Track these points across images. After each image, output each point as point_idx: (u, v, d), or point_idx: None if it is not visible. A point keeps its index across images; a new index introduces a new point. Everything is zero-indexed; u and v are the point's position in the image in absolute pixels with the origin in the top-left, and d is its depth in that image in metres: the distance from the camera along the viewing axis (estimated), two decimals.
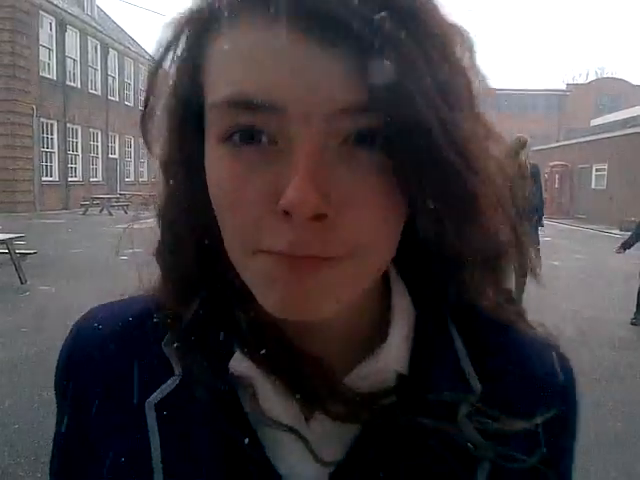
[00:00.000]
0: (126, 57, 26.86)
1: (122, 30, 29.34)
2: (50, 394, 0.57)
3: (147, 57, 29.56)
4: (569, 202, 26.23)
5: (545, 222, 25.51)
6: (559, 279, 9.74)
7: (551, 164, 26.95)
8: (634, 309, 6.57)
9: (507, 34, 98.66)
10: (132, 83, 27.53)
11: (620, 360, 5.38)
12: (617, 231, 17.16)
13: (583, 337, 6.03)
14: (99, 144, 24.66)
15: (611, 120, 30.18)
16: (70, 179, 22.38)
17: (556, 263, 11.72)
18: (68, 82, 21.94)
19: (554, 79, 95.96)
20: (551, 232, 19.44)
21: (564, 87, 45.49)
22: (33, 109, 19.39)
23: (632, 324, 6.50)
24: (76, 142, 22.84)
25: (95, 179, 24.40)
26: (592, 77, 53.08)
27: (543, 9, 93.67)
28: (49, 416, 2.91)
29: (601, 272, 10.15)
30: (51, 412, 0.58)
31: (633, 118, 26.86)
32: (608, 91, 40.87)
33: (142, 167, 29.24)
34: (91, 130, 23.82)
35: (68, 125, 21.88)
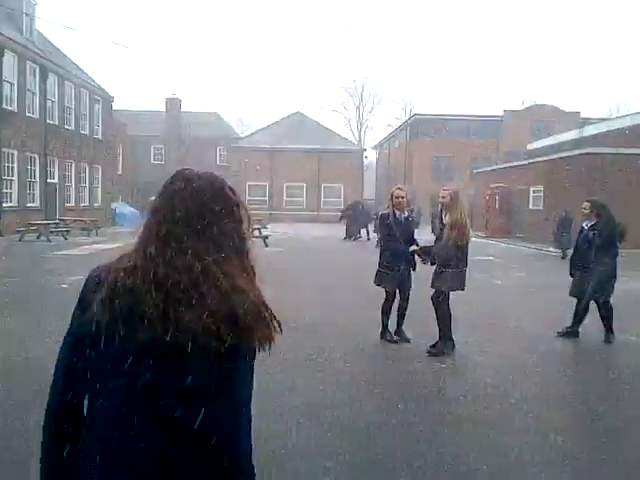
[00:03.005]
0: (67, 81, 26.19)
1: (63, 54, 28.66)
2: None
3: (88, 81, 28.95)
4: (508, 222, 27.20)
5: (487, 241, 26.26)
6: (500, 296, 10.06)
7: (492, 186, 27.95)
8: (567, 323, 6.85)
9: (449, 63, 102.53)
10: (73, 107, 26.84)
11: (555, 376, 5.57)
12: (552, 249, 17.90)
13: (521, 351, 6.22)
14: (36, 168, 23.84)
15: (545, 144, 31.73)
16: (5, 205, 21.45)
17: (498, 282, 12.11)
18: (4, 106, 21.16)
19: (491, 106, 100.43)
20: (493, 251, 20.11)
21: (501, 113, 47.56)
22: None
23: (559, 334, 6.75)
24: (11, 167, 22.00)
25: (32, 204, 23.48)
26: (527, 104, 55.74)
27: (480, 41, 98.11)
28: None
29: (539, 289, 10.53)
30: None
31: (564, 143, 28.33)
32: (542, 117, 43.05)
33: (83, 192, 28.40)
34: (28, 154, 23.00)
35: (3, 149, 21.05)
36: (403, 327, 6.46)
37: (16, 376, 4.86)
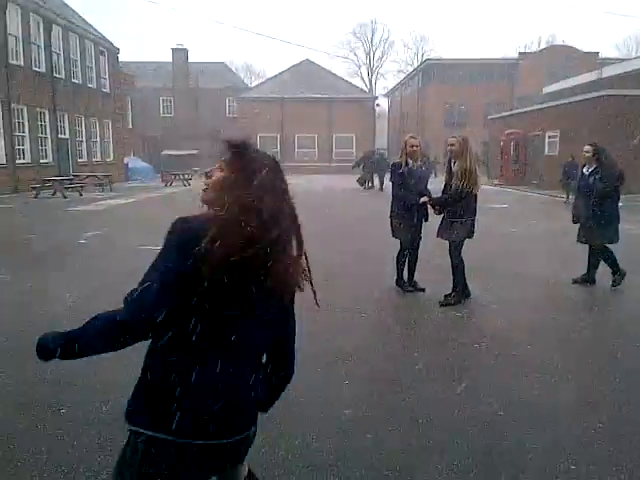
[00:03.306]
0: (71, 32, 25.72)
1: (66, 5, 28.04)
2: None
3: (93, 32, 28.38)
4: (524, 169, 26.79)
5: (503, 189, 25.91)
6: (516, 244, 10.03)
7: (507, 132, 27.40)
8: (582, 271, 6.85)
9: (462, 5, 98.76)
10: (78, 59, 26.45)
11: (561, 319, 5.60)
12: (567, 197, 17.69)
13: (537, 299, 6.25)
14: (47, 124, 23.75)
15: (561, 88, 30.81)
16: (18, 161, 21.52)
17: (513, 229, 12.04)
18: (11, 60, 20.93)
19: (507, 48, 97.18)
20: (508, 199, 19.93)
21: (517, 55, 46.08)
22: None
23: (575, 281, 6.79)
24: (22, 123, 21.94)
25: (45, 160, 23.54)
26: (544, 45, 53.86)
27: None
28: None
29: (555, 236, 10.46)
30: None
31: (581, 86, 27.48)
32: (559, 59, 41.66)
33: (95, 147, 28.34)
34: (37, 109, 22.89)
35: (12, 105, 20.95)
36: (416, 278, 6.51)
37: (38, 332, 4.98)
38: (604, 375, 4.14)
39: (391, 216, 6.42)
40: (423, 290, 6.42)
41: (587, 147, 6.66)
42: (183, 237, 1.44)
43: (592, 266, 6.78)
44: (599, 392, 3.82)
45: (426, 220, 6.32)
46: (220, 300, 1.45)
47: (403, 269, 6.46)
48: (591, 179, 6.52)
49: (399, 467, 2.87)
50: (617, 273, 6.62)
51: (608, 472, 2.83)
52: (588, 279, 6.78)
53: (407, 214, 6.22)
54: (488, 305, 5.98)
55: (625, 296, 6.46)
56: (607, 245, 6.60)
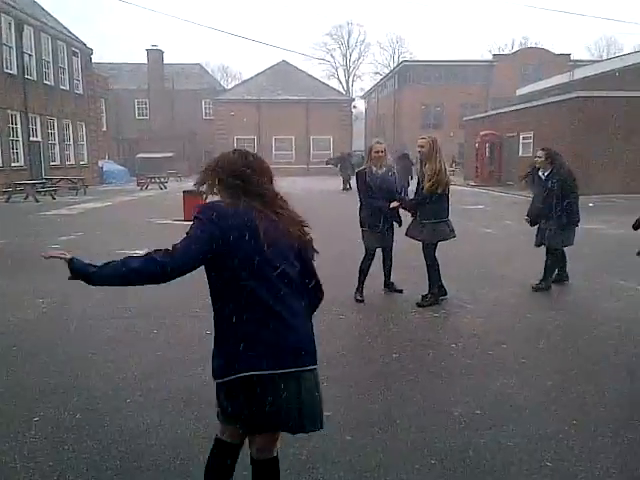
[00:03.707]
0: (43, 33, 25.28)
1: (38, 5, 27.54)
2: None
3: (65, 33, 27.93)
4: (499, 170, 27.11)
5: (478, 190, 26.18)
6: (491, 244, 10.15)
7: (482, 133, 27.71)
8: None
9: (437, 7, 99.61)
10: (51, 61, 26.00)
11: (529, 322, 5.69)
12: None
13: (512, 298, 6.34)
14: (18, 127, 23.30)
15: (534, 89, 31.33)
16: None
17: (488, 230, 12.19)
18: None
19: (482, 49, 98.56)
20: (483, 199, 20.16)
21: (491, 57, 46.71)
22: None
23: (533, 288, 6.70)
24: None
25: (17, 164, 23.07)
26: (517, 47, 54.73)
27: None
28: None
29: (529, 237, 10.60)
30: None
31: (553, 87, 27.98)
32: (532, 61, 42.37)
33: (68, 150, 27.88)
34: (8, 112, 22.44)
35: None
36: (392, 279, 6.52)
37: (10, 337, 4.89)
38: (578, 374, 4.21)
39: (360, 223, 6.27)
40: (401, 291, 6.46)
41: (540, 152, 6.74)
42: (214, 216, 1.96)
43: (562, 266, 6.89)
44: (573, 390, 3.89)
45: (400, 225, 6.21)
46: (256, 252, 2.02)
47: (364, 278, 6.22)
48: (549, 183, 6.58)
49: (378, 467, 2.89)
50: (549, 279, 6.68)
51: (583, 468, 2.89)
52: (562, 277, 6.89)
53: (373, 221, 6.09)
54: (464, 305, 6.04)
55: (599, 296, 6.58)
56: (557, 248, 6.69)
